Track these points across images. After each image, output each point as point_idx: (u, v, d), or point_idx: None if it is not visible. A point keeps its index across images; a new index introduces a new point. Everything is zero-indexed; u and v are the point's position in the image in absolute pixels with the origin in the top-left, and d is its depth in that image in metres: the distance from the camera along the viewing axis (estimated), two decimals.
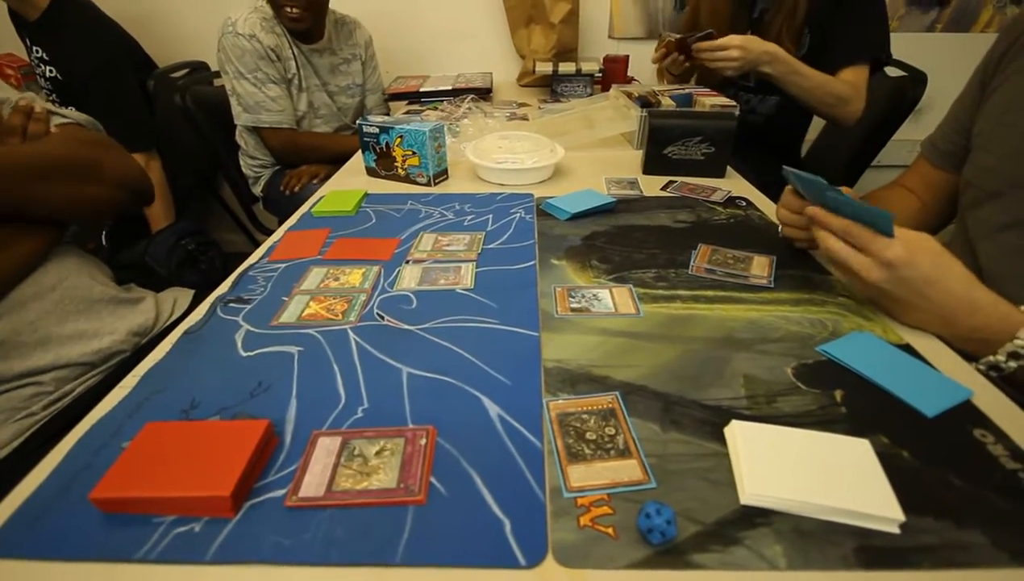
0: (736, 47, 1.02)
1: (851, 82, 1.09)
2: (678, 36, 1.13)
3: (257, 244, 0.75)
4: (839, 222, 0.49)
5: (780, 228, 0.64)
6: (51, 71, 1.51)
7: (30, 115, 0.64)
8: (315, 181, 1.35)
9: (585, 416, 0.40)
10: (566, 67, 1.46)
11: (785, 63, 1.05)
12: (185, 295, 0.81)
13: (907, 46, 1.54)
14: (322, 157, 1.38)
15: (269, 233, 0.74)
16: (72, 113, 0.71)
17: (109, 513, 0.33)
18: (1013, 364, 0.44)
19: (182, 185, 1.72)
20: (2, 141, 0.63)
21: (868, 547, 0.31)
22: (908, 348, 0.47)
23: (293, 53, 1.30)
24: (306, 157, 1.38)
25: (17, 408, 0.60)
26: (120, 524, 0.33)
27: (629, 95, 1.06)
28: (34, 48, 1.51)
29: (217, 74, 1.59)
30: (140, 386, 0.44)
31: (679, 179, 0.87)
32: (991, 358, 0.45)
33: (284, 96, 1.30)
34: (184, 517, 0.33)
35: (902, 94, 1.27)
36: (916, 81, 1.26)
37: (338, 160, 1.31)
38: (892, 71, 1.38)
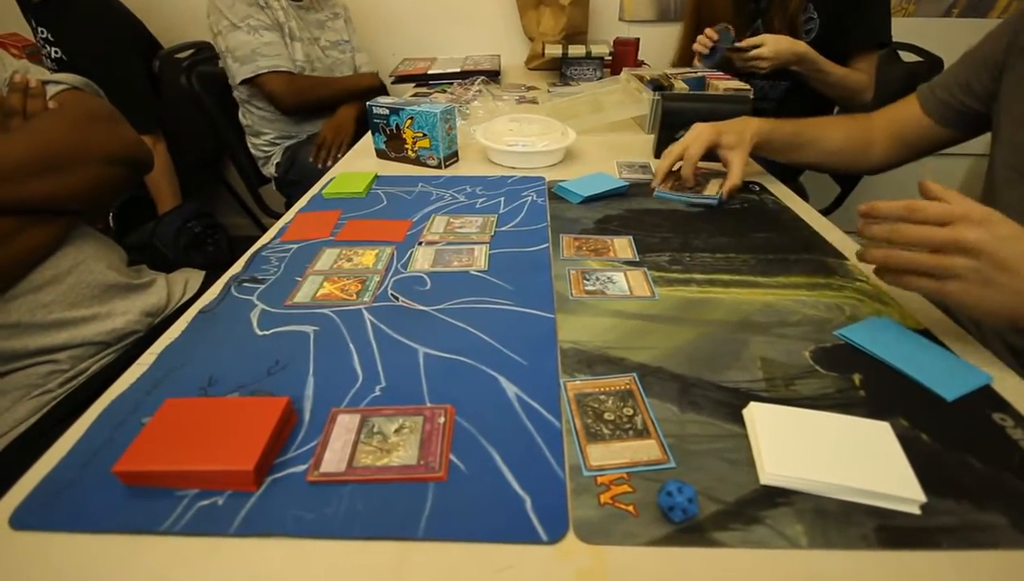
0: (764, 57, 1.06)
1: (864, 71, 1.14)
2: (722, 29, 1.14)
3: (263, 227, 0.75)
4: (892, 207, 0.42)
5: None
6: (56, 52, 1.50)
7: (27, 91, 0.63)
8: (341, 151, 1.33)
9: (603, 397, 0.40)
10: (576, 50, 1.44)
11: (812, 61, 1.09)
12: (196, 276, 0.81)
13: (924, 31, 1.52)
14: (328, 96, 1.38)
15: (276, 216, 0.73)
16: (66, 77, 0.70)
17: (132, 487, 0.34)
18: None
19: (188, 167, 1.72)
20: (5, 124, 0.62)
21: (889, 527, 0.31)
22: (927, 333, 0.47)
23: (281, 4, 1.31)
24: (311, 97, 1.37)
25: (34, 385, 0.60)
26: (143, 497, 0.33)
27: (641, 78, 1.05)
28: (39, 29, 1.50)
29: None
30: (157, 363, 0.44)
31: None
32: None
33: (279, 42, 1.30)
34: (207, 491, 0.33)
35: (917, 79, 1.25)
36: (932, 66, 1.24)
37: (346, 98, 1.31)
38: (907, 56, 1.36)
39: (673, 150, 0.73)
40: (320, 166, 1.33)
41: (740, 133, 0.72)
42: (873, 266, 0.44)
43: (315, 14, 1.41)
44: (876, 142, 0.76)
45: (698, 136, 0.72)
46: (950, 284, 0.40)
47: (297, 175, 1.39)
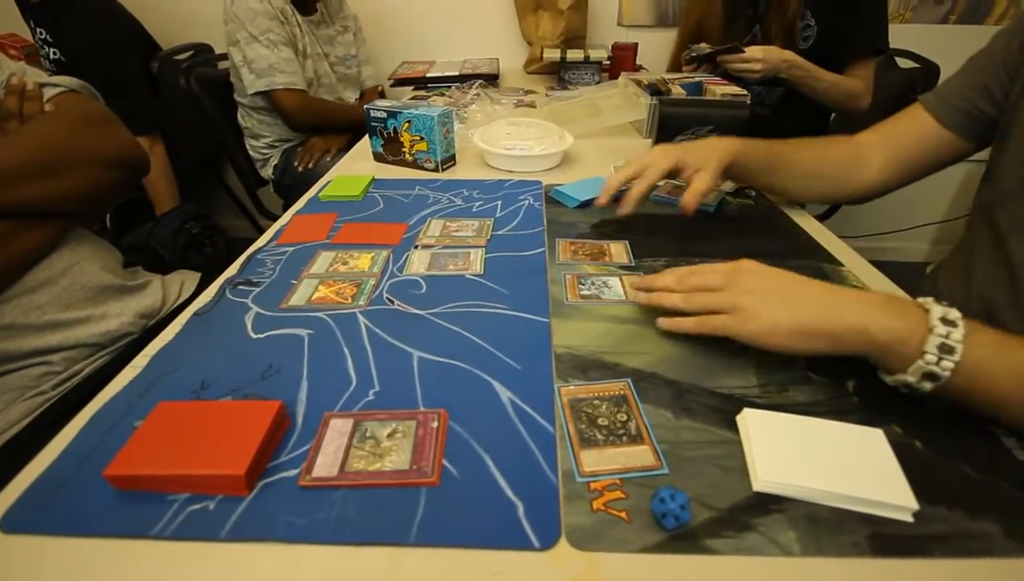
0: (758, 59, 1.07)
1: (861, 77, 1.14)
2: (706, 51, 1.15)
3: (260, 229, 0.75)
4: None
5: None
6: (55, 53, 1.50)
7: (23, 94, 0.63)
8: (328, 158, 1.35)
9: (597, 402, 0.40)
10: (574, 54, 1.44)
11: (803, 68, 1.10)
12: (192, 278, 0.81)
13: (920, 38, 1.52)
14: (336, 121, 1.39)
15: (273, 218, 0.73)
16: (63, 80, 0.70)
17: (123, 490, 0.33)
18: (928, 385, 0.37)
19: (186, 168, 1.72)
20: (2, 127, 0.62)
21: (881, 535, 0.31)
22: None
23: (297, 20, 1.31)
24: (321, 118, 1.38)
25: (27, 387, 0.60)
26: (134, 501, 0.33)
27: (639, 83, 1.05)
28: (38, 30, 1.50)
29: (222, 56, 1.57)
30: (151, 366, 0.44)
31: None
32: (901, 377, 0.38)
33: (295, 59, 1.31)
34: (198, 495, 0.33)
35: (914, 86, 1.26)
36: (929, 73, 1.26)
37: (350, 128, 1.32)
38: (904, 62, 1.37)
39: (628, 169, 0.64)
40: (300, 169, 1.35)
41: (705, 155, 0.63)
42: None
43: (326, 29, 1.41)
44: (870, 163, 0.69)
45: (657, 159, 0.63)
46: (742, 300, 0.43)
47: (292, 179, 1.40)
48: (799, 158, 0.70)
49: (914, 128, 0.67)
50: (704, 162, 0.63)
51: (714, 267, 0.48)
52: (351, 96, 1.53)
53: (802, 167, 0.70)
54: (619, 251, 0.61)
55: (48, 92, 0.67)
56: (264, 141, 1.42)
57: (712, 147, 0.65)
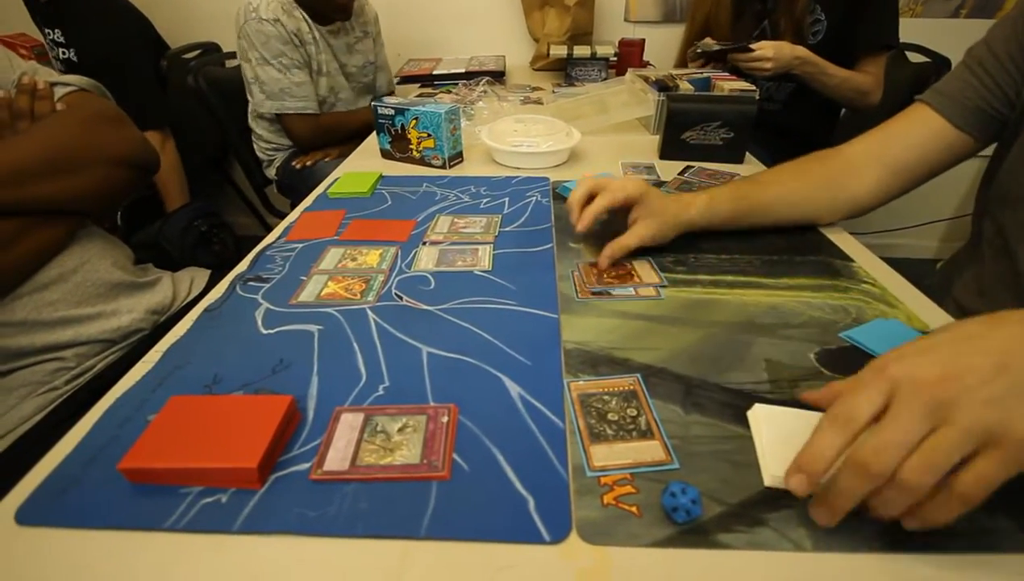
0: (768, 57, 1.07)
1: (871, 72, 1.14)
2: (716, 48, 1.14)
3: (269, 227, 0.76)
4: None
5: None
6: (64, 52, 1.51)
7: (34, 93, 0.64)
8: (327, 159, 1.35)
9: (607, 397, 0.40)
10: (581, 51, 1.44)
11: (814, 65, 1.09)
12: (202, 275, 0.82)
13: (931, 32, 1.50)
14: (345, 135, 1.38)
15: (281, 216, 0.74)
16: (74, 78, 0.70)
17: (137, 484, 0.34)
18: None
19: (194, 166, 1.73)
20: (13, 126, 0.63)
21: (893, 530, 0.30)
22: None
23: (314, 37, 1.28)
24: (330, 138, 1.37)
25: (40, 382, 0.60)
26: (148, 494, 0.33)
27: (646, 79, 1.05)
28: (47, 30, 1.51)
29: (230, 55, 1.58)
30: (163, 361, 0.45)
31: (697, 164, 0.86)
32: None
33: (308, 82, 1.29)
34: (211, 488, 0.33)
35: (925, 80, 1.24)
36: (939, 67, 1.24)
37: (360, 134, 1.32)
38: (914, 56, 1.36)
39: (590, 182, 0.59)
40: (298, 167, 1.35)
41: (661, 208, 0.58)
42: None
43: (344, 38, 1.38)
44: (864, 173, 0.64)
45: (625, 184, 0.58)
46: (991, 416, 0.26)
47: (292, 179, 1.40)
48: (777, 191, 0.64)
49: (917, 131, 0.62)
50: (648, 214, 0.57)
51: (877, 385, 0.28)
52: (364, 104, 1.50)
53: (783, 197, 0.64)
54: (647, 272, 0.57)
55: (59, 91, 0.67)
56: (270, 144, 1.43)
57: (674, 214, 0.59)
